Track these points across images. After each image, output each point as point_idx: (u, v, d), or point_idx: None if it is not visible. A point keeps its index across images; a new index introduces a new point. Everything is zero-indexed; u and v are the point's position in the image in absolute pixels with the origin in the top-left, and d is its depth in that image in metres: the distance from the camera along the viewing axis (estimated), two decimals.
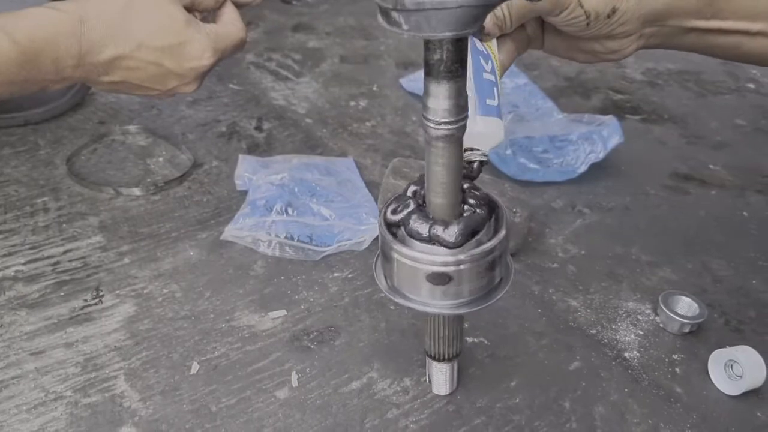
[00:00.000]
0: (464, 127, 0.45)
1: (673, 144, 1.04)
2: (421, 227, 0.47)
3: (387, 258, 0.50)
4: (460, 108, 0.44)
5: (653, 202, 0.90)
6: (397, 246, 0.48)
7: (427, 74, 0.43)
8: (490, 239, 0.49)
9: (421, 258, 0.48)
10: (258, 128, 0.99)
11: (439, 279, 0.48)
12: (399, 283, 0.50)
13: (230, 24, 0.70)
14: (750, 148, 1.06)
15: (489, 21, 0.54)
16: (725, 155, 1.03)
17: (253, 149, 0.94)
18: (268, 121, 1.01)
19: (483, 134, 0.56)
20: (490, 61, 0.57)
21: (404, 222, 0.48)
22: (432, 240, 0.47)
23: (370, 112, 1.06)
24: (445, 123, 0.44)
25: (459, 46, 0.41)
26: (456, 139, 0.45)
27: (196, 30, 0.65)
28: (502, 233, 0.49)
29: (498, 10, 0.54)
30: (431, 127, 0.44)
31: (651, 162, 0.98)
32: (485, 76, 0.57)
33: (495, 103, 0.56)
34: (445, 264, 0.47)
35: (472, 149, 0.55)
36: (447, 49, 0.41)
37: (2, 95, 0.62)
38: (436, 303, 0.49)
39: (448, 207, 0.47)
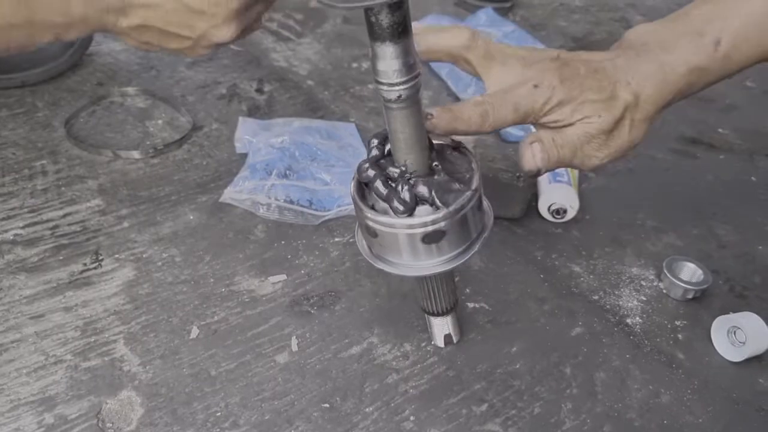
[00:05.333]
0: (418, 84, 0.45)
1: (680, 107, 1.02)
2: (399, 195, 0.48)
3: (367, 230, 0.50)
4: (410, 66, 0.43)
5: (660, 166, 0.89)
6: (373, 215, 0.48)
7: (373, 37, 0.42)
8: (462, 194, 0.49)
9: (402, 223, 0.48)
10: (259, 90, 0.97)
11: (433, 237, 0.48)
12: (380, 250, 0.51)
13: None
14: (760, 111, 1.04)
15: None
16: (734, 118, 1.01)
17: (254, 112, 0.92)
18: (269, 83, 0.99)
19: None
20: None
21: (384, 197, 0.49)
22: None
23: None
24: (399, 84, 0.43)
25: (400, 7, 0.40)
26: (413, 97, 0.45)
27: None
28: (471, 189, 0.49)
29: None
30: (386, 90, 0.44)
31: (658, 125, 0.96)
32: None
33: (564, 179, 0.77)
34: (435, 222, 0.47)
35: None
36: (389, 12, 0.40)
37: (9, 44, 0.56)
38: (421, 264, 0.50)
39: (423, 161, 0.48)
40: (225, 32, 0.61)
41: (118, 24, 0.59)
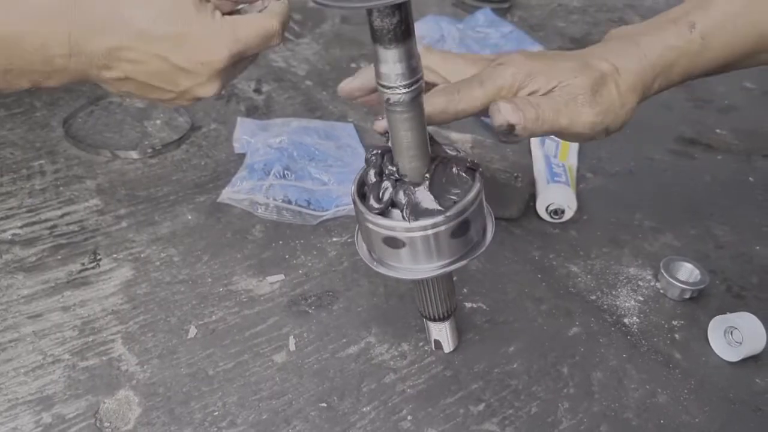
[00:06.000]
0: (420, 88, 0.44)
1: (679, 108, 1.03)
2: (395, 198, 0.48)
3: (366, 231, 0.50)
4: (412, 70, 0.43)
5: (658, 166, 0.89)
6: (373, 218, 0.48)
7: (375, 40, 0.42)
8: (465, 195, 0.48)
9: (398, 226, 0.47)
10: (257, 90, 0.97)
11: (392, 243, 0.48)
12: (383, 254, 0.50)
13: (258, 15, 0.59)
14: (758, 111, 1.04)
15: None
16: (732, 119, 1.01)
17: (252, 112, 0.92)
18: (268, 84, 0.99)
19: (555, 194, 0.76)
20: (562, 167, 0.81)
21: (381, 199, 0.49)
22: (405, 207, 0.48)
23: None
24: (401, 87, 0.43)
25: (400, 9, 0.40)
26: (414, 101, 0.44)
27: (207, 16, 0.55)
28: (474, 189, 0.48)
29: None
30: (387, 92, 0.44)
31: (656, 126, 0.97)
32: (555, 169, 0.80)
33: (562, 179, 0.79)
34: (434, 225, 0.47)
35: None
36: (390, 14, 0.40)
37: None
38: (419, 268, 0.49)
39: (416, 169, 0.47)
40: (209, 89, 0.60)
41: (101, 75, 0.58)
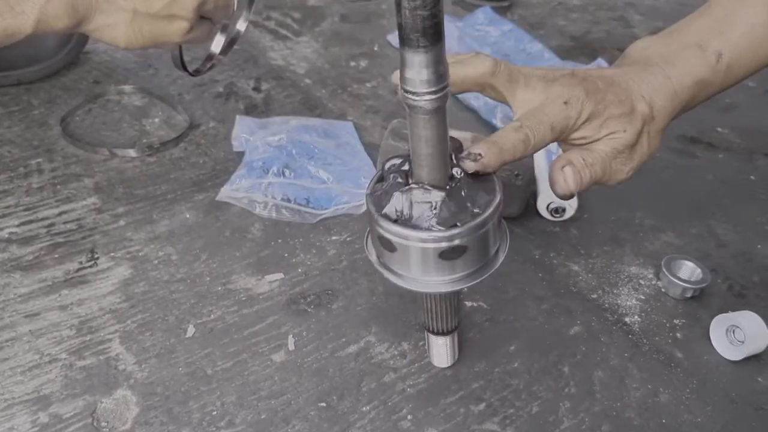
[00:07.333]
0: (446, 96, 0.42)
1: None
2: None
3: (381, 240, 0.47)
4: (439, 77, 0.41)
5: (659, 165, 0.89)
6: (388, 226, 0.46)
7: (403, 43, 0.40)
8: (482, 209, 0.46)
9: (421, 236, 0.45)
10: (256, 89, 0.97)
11: (451, 254, 0.46)
12: (392, 262, 0.48)
13: None
14: (759, 110, 1.04)
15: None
16: (734, 118, 1.00)
17: (251, 110, 0.92)
18: (267, 82, 0.99)
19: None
20: None
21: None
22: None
23: (371, 73, 1.04)
24: (426, 94, 0.41)
25: (433, 11, 0.38)
26: (439, 109, 0.42)
27: None
28: (494, 204, 0.47)
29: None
30: (411, 98, 0.42)
31: None
32: None
33: None
34: (450, 238, 0.45)
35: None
36: (421, 15, 0.38)
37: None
38: (433, 280, 0.47)
39: (435, 180, 0.46)
40: (189, 1, 0.63)
41: None
